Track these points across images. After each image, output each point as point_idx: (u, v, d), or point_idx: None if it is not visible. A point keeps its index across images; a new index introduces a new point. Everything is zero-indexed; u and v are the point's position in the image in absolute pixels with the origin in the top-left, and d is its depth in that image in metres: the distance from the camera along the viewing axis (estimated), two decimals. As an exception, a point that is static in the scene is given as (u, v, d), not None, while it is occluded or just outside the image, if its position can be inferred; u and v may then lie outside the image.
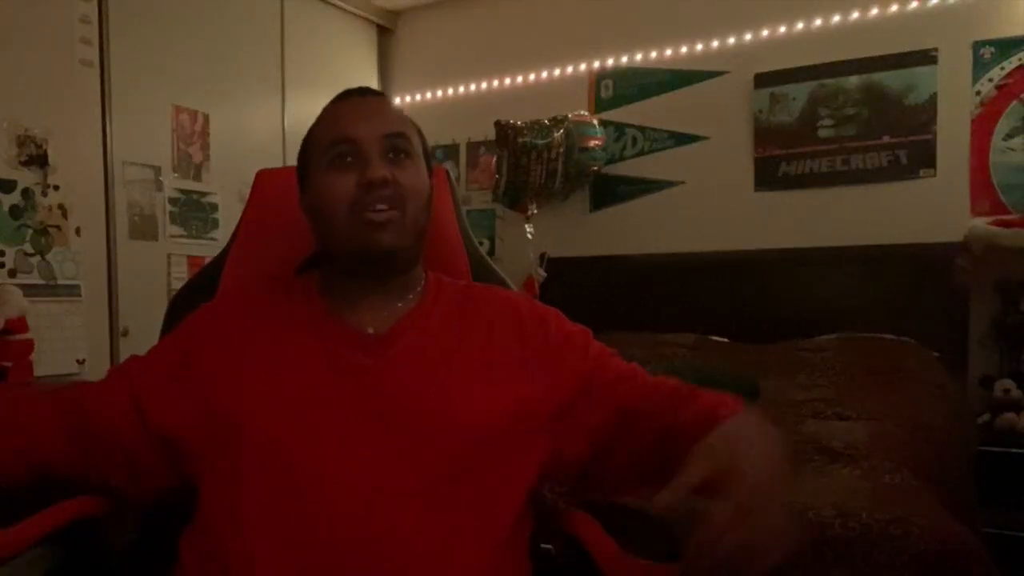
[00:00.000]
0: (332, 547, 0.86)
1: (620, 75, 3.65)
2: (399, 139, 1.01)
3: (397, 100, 4.20)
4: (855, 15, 3.16)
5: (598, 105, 3.68)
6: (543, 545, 1.10)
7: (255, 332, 1.01)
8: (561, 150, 3.41)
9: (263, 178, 1.33)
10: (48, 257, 2.62)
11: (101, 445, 0.98)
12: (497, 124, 3.50)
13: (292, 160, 1.13)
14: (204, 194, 3.22)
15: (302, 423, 0.92)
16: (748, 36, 3.36)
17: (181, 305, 1.22)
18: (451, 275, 1.15)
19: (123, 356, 2.82)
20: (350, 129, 0.99)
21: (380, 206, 0.97)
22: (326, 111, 1.06)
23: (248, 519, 0.89)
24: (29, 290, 2.50)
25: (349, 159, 0.99)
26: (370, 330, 1.00)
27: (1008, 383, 2.69)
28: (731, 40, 3.39)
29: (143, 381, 1.00)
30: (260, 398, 0.94)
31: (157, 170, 3.04)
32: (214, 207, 3.25)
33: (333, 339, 0.99)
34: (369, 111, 1.02)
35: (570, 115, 3.48)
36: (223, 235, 3.07)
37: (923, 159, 3.05)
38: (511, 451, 0.96)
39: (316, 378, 0.96)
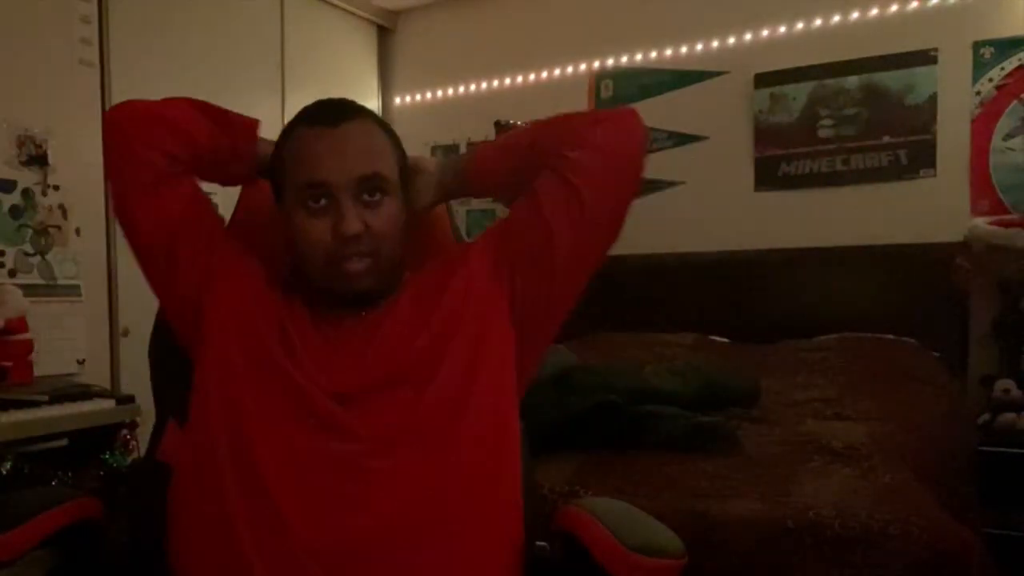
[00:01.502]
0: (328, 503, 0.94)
1: (620, 75, 3.65)
2: (373, 179, 1.03)
3: (397, 100, 4.20)
4: (855, 15, 3.16)
5: (598, 105, 3.67)
6: (538, 543, 1.10)
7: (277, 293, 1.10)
8: (561, 150, 3.40)
9: None
10: (48, 257, 2.62)
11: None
12: (497, 124, 3.50)
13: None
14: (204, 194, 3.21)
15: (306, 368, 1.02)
16: (748, 36, 3.36)
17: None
18: None
19: (123, 356, 2.83)
20: (322, 171, 1.02)
21: (355, 258, 1.02)
22: (299, 135, 1.07)
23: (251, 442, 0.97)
24: (29, 290, 2.49)
25: (323, 201, 1.02)
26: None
27: (1008, 383, 2.69)
28: (731, 40, 3.39)
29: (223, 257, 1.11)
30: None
31: (157, 170, 3.04)
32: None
33: (331, 327, 1.07)
34: (341, 149, 1.02)
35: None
36: (223, 235, 3.05)
37: (923, 159, 3.05)
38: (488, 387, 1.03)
39: (318, 355, 1.03)
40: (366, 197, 1.03)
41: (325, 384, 1.00)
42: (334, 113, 1.06)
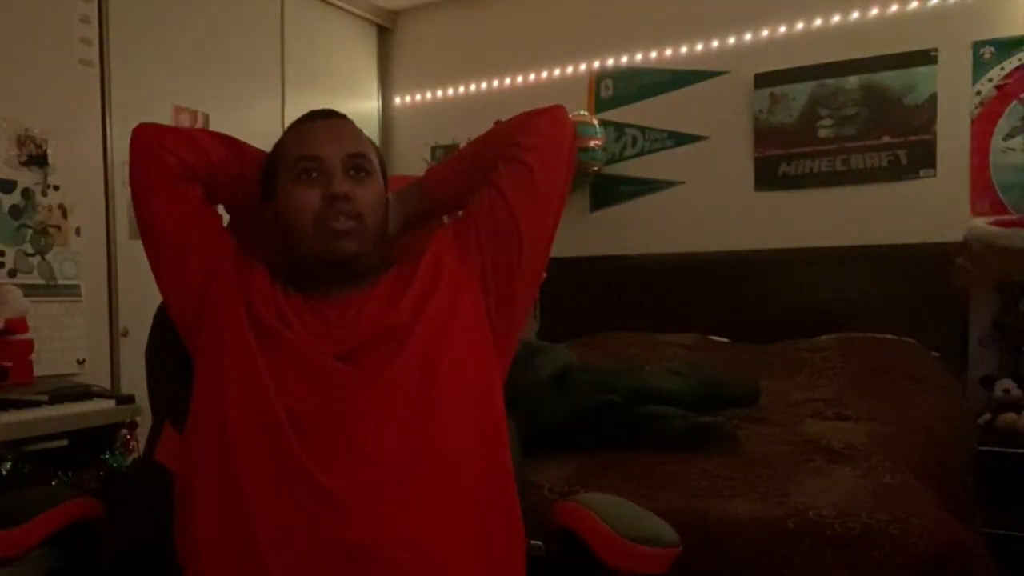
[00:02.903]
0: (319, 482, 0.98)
1: (620, 75, 3.65)
2: (359, 159, 1.16)
3: (397, 100, 4.20)
4: (855, 15, 3.16)
5: (598, 105, 3.68)
6: (532, 542, 1.10)
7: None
8: (561, 150, 3.41)
9: None
10: (48, 257, 2.62)
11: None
12: (497, 124, 3.49)
13: (292, 160, 1.18)
14: (204, 194, 3.21)
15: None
16: (748, 36, 3.36)
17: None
18: None
19: (123, 356, 2.83)
20: (316, 148, 1.15)
21: (341, 218, 1.12)
22: (293, 130, 1.21)
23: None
24: (29, 290, 2.50)
25: (314, 174, 1.14)
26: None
27: (1008, 383, 2.69)
28: (731, 40, 3.39)
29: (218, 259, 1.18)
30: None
31: (157, 170, 3.04)
32: (214, 207, 3.24)
33: (323, 306, 1.15)
34: (333, 132, 1.17)
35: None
36: (223, 235, 3.05)
37: (923, 159, 3.05)
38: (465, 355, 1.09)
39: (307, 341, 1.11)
40: (353, 173, 1.15)
41: (323, 349, 1.08)
42: (326, 111, 1.22)
